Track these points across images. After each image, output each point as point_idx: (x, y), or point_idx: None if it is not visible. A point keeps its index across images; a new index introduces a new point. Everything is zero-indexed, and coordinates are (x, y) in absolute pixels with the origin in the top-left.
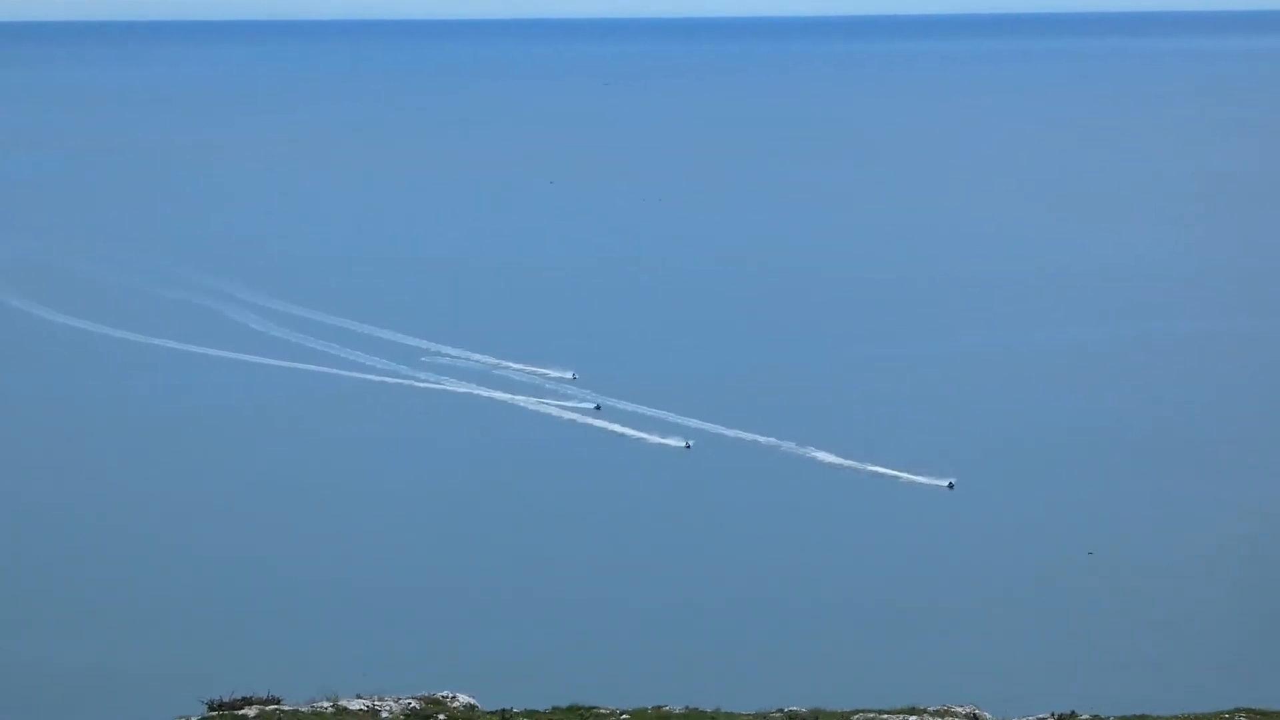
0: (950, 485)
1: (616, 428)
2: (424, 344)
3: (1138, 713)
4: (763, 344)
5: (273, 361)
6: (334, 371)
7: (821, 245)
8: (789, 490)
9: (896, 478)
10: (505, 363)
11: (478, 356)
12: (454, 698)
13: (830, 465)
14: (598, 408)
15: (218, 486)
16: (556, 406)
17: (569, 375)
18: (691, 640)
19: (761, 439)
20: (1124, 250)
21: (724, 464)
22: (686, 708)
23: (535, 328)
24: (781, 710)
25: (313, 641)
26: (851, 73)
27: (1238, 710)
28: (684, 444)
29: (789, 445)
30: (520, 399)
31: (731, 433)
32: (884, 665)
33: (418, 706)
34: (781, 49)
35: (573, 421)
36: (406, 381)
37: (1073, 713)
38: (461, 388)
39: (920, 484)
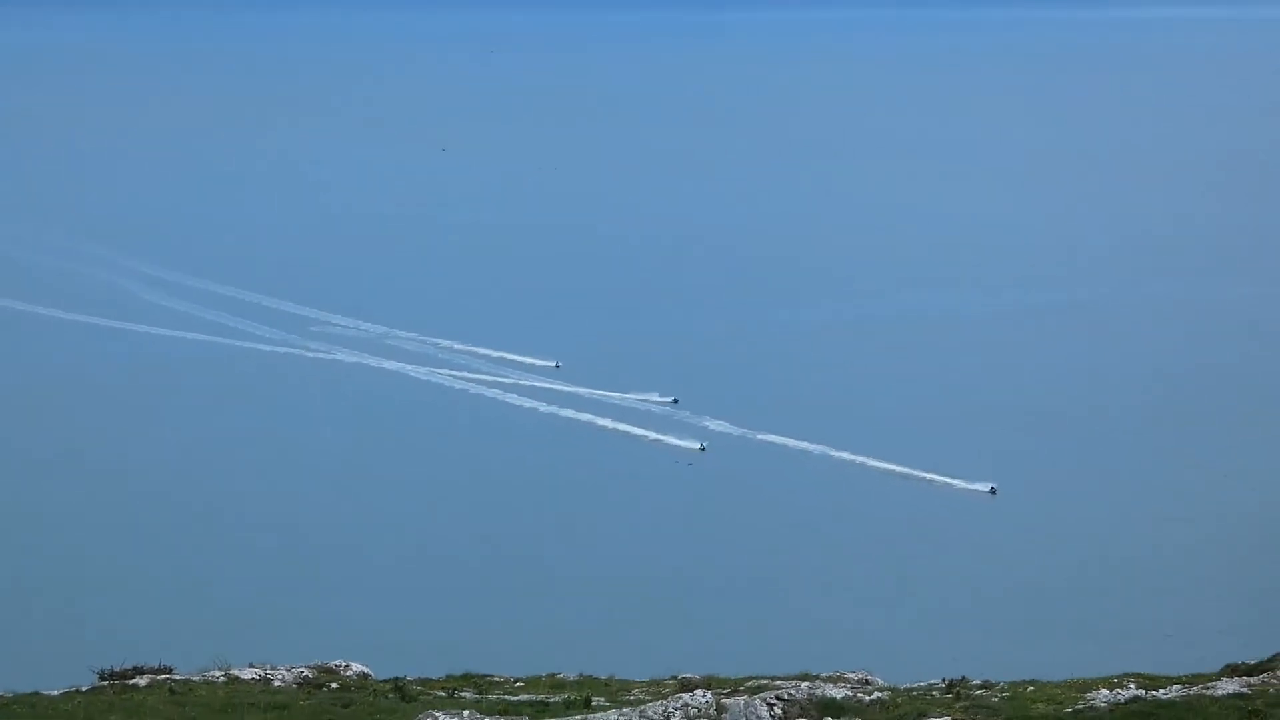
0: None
1: (513, 399)
2: (314, 313)
3: (1028, 678)
4: (649, 305)
5: (161, 330)
6: (223, 341)
7: (715, 213)
8: (678, 462)
9: (785, 445)
10: (396, 331)
11: (367, 325)
12: (347, 667)
13: (724, 433)
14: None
15: (104, 455)
16: (449, 375)
17: (454, 345)
18: (587, 610)
19: (655, 402)
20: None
21: (607, 432)
22: (580, 675)
23: (427, 296)
24: (675, 677)
25: (205, 611)
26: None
27: (1126, 675)
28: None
29: (684, 414)
30: (410, 367)
31: (616, 396)
32: (778, 635)
33: (310, 675)
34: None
35: (465, 391)
36: (296, 351)
37: (963, 678)
38: (352, 357)
39: (808, 450)
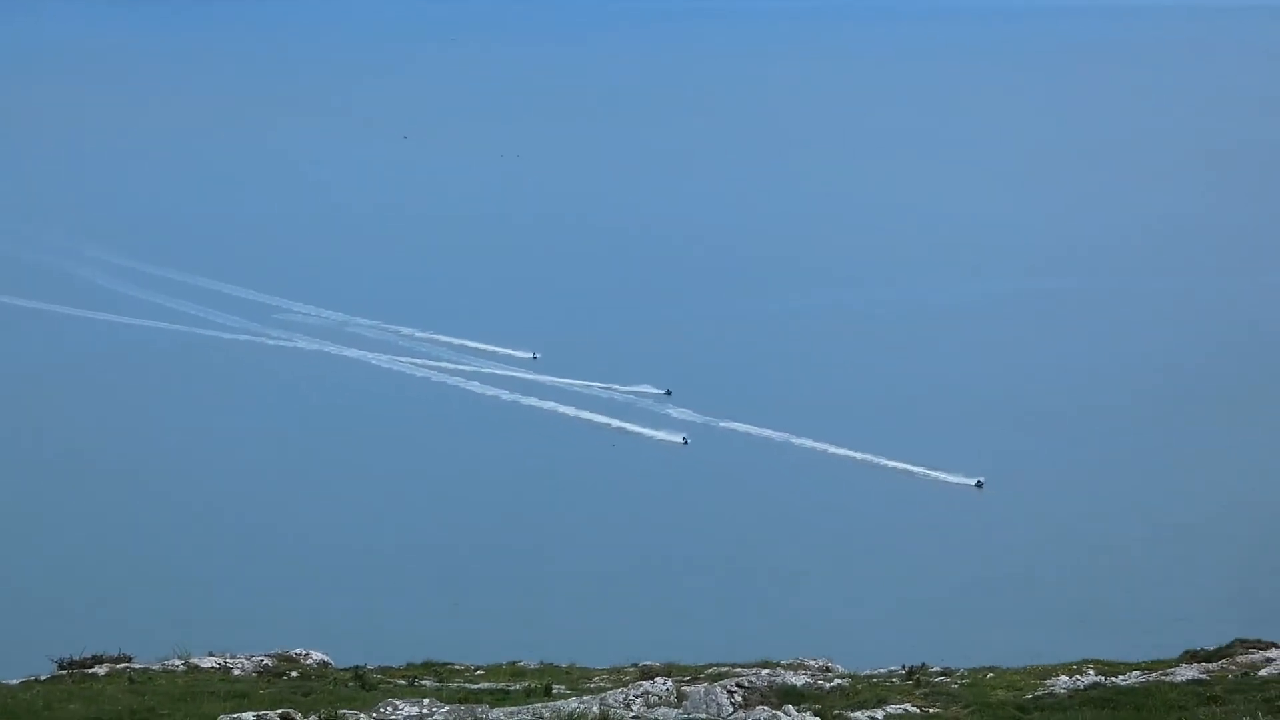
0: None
1: (475, 386)
2: (275, 300)
3: (988, 665)
4: (630, 297)
5: (120, 319)
6: (183, 328)
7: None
8: (641, 451)
9: (749, 433)
10: (357, 319)
11: (328, 313)
12: (307, 655)
13: (687, 421)
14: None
15: (62, 444)
16: (409, 363)
17: (416, 333)
18: (549, 598)
19: (618, 388)
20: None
21: (576, 422)
22: (541, 663)
23: (389, 284)
24: (635, 665)
25: (164, 600)
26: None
27: (1085, 661)
28: (680, 439)
29: (647, 402)
30: (372, 356)
31: (580, 383)
32: (740, 623)
33: (270, 664)
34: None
35: (426, 379)
36: (256, 339)
37: (923, 665)
38: (312, 345)
39: (769, 438)
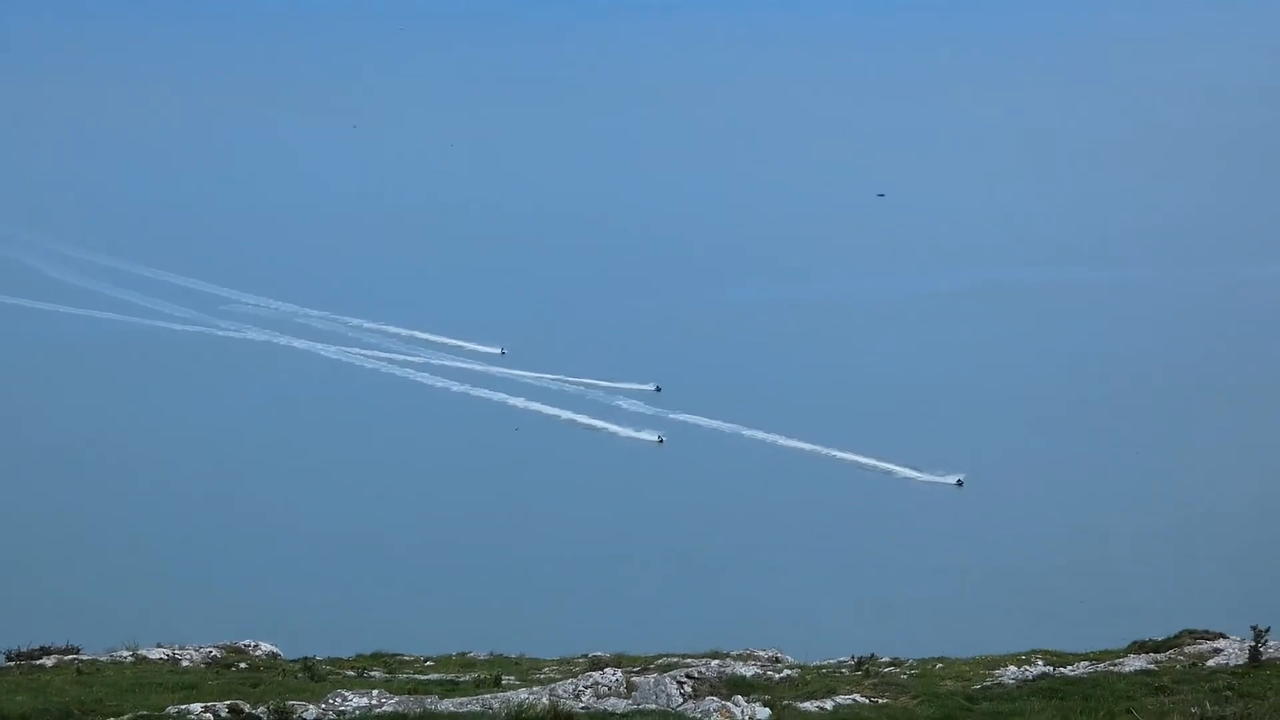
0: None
1: (425, 378)
2: (225, 292)
3: (937, 655)
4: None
5: (68, 309)
6: (132, 320)
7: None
8: (587, 446)
9: (699, 424)
10: (307, 310)
11: (277, 304)
12: (256, 647)
13: (637, 413)
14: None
15: (9, 434)
16: (360, 354)
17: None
18: (498, 590)
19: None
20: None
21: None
22: (491, 654)
23: (339, 275)
24: (585, 656)
25: (112, 591)
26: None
27: (1034, 651)
28: (656, 438)
29: (596, 394)
30: (321, 346)
31: (526, 374)
32: (690, 614)
33: (219, 655)
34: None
35: (376, 370)
36: (206, 329)
37: (872, 655)
38: (262, 336)
39: (737, 433)
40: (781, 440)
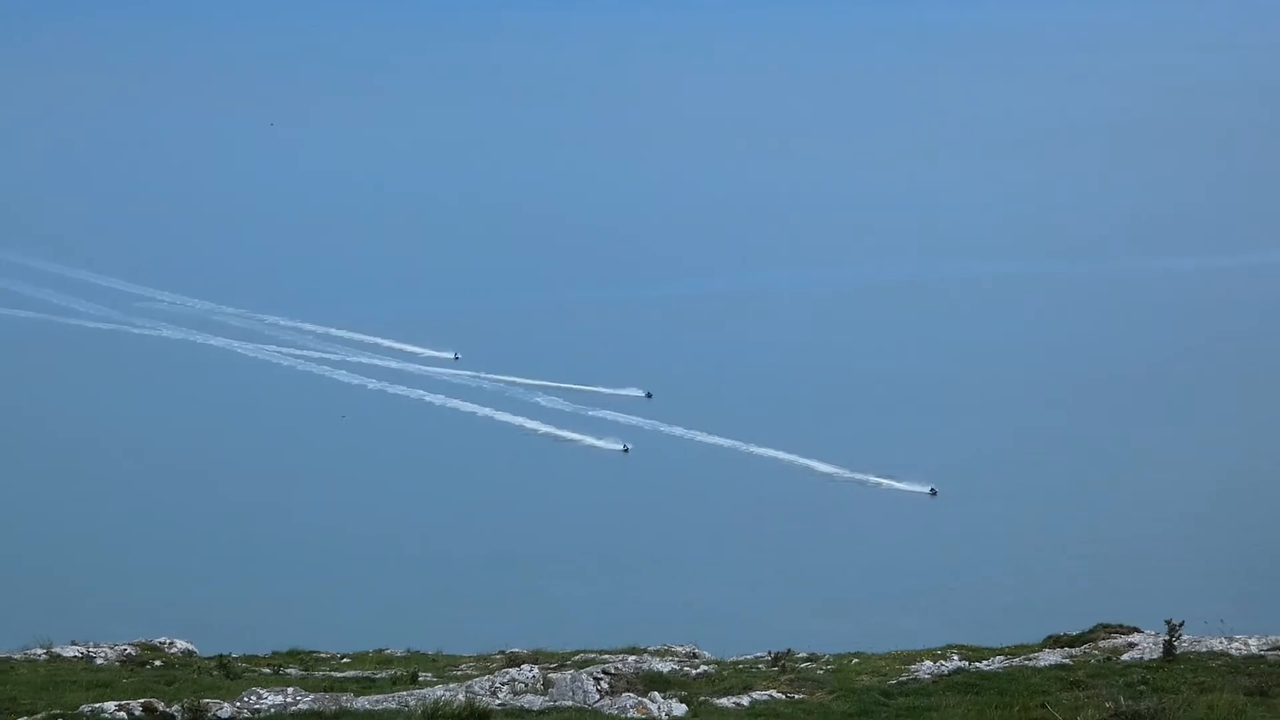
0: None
1: (341, 375)
2: (140, 290)
3: (853, 650)
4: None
5: None
6: (44, 317)
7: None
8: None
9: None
10: (223, 307)
11: (193, 302)
12: (171, 644)
13: (553, 409)
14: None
15: None
16: (277, 351)
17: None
18: (415, 587)
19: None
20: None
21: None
22: (408, 650)
23: (252, 271)
24: (502, 652)
25: (25, 589)
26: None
27: (950, 646)
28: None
29: (510, 389)
30: (237, 344)
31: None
32: (608, 610)
33: (134, 653)
34: None
35: (277, 364)
36: (122, 327)
37: (789, 651)
38: (178, 333)
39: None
40: (724, 443)
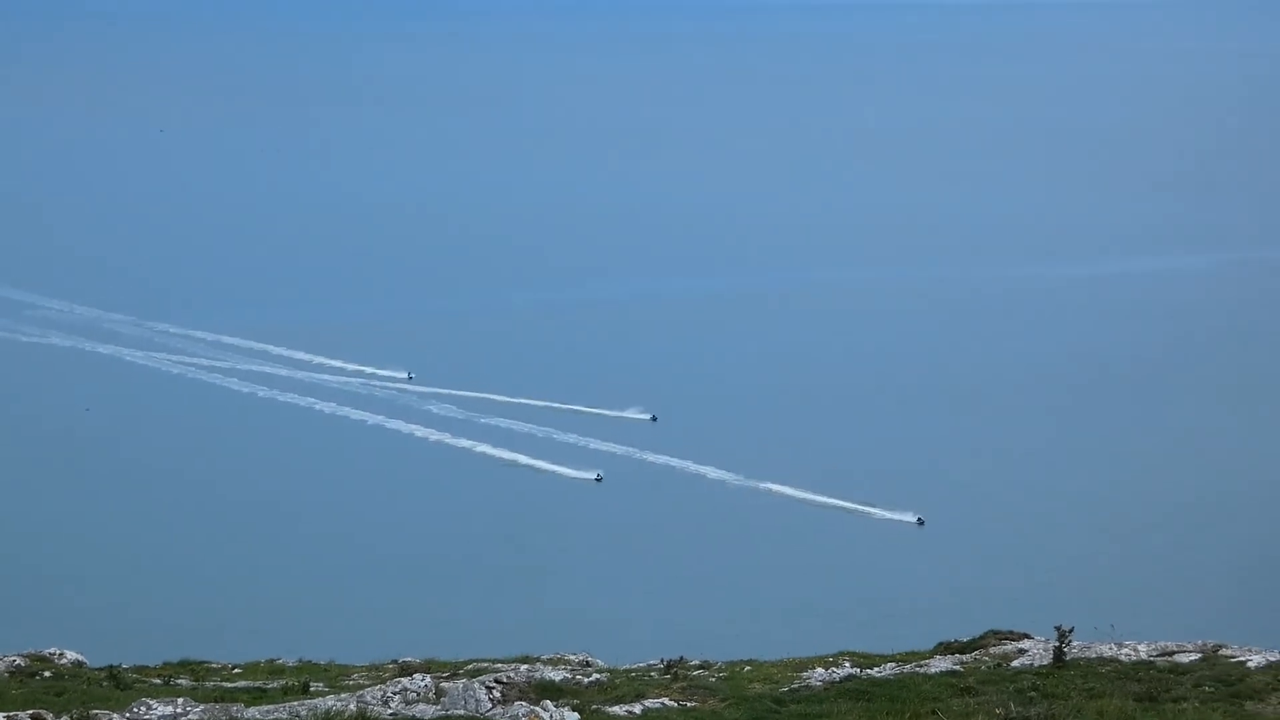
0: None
1: (234, 384)
2: (27, 297)
3: (746, 658)
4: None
5: None
6: None
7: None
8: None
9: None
10: (113, 315)
11: (81, 309)
12: (60, 655)
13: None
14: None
15: None
16: (167, 359)
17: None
18: (307, 596)
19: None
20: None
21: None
22: (300, 660)
23: (140, 279)
24: (395, 662)
25: None
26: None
27: (842, 653)
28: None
29: (413, 393)
30: (135, 354)
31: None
32: (501, 620)
33: (22, 664)
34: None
35: (182, 375)
36: (11, 335)
37: (681, 659)
38: (68, 341)
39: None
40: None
